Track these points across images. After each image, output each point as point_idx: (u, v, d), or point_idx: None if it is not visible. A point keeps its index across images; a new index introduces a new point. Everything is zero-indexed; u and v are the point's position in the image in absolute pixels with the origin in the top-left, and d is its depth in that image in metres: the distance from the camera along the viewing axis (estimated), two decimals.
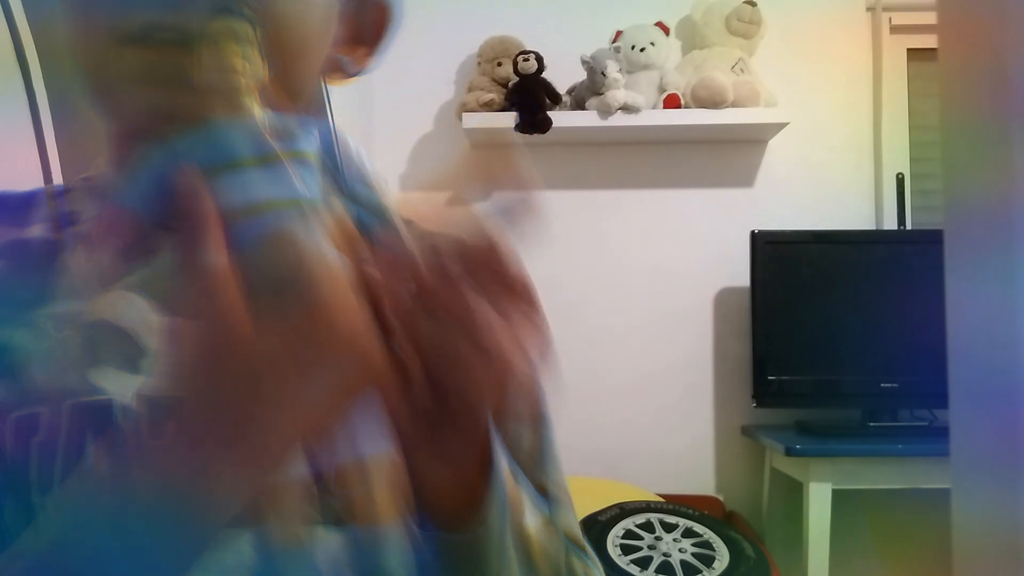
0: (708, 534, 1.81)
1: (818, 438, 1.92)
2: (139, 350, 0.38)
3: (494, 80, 2.15)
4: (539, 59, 2.08)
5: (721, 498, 2.19)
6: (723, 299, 2.24)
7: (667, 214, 2.26)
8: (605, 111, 2.06)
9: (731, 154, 2.26)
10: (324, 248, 0.37)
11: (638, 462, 2.17)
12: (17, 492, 0.36)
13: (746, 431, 2.18)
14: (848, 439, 1.92)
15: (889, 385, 1.99)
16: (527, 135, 2.08)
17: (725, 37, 2.15)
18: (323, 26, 0.44)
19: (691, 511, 1.88)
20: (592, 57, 2.06)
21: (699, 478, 2.22)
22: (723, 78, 2.05)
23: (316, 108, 0.44)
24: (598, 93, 2.06)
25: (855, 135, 2.26)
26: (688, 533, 1.81)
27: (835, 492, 1.84)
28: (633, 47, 2.12)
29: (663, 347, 2.23)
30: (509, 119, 2.08)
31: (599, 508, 1.86)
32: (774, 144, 2.25)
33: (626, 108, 2.06)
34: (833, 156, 2.25)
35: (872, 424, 2.00)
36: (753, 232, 2.06)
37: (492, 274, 0.37)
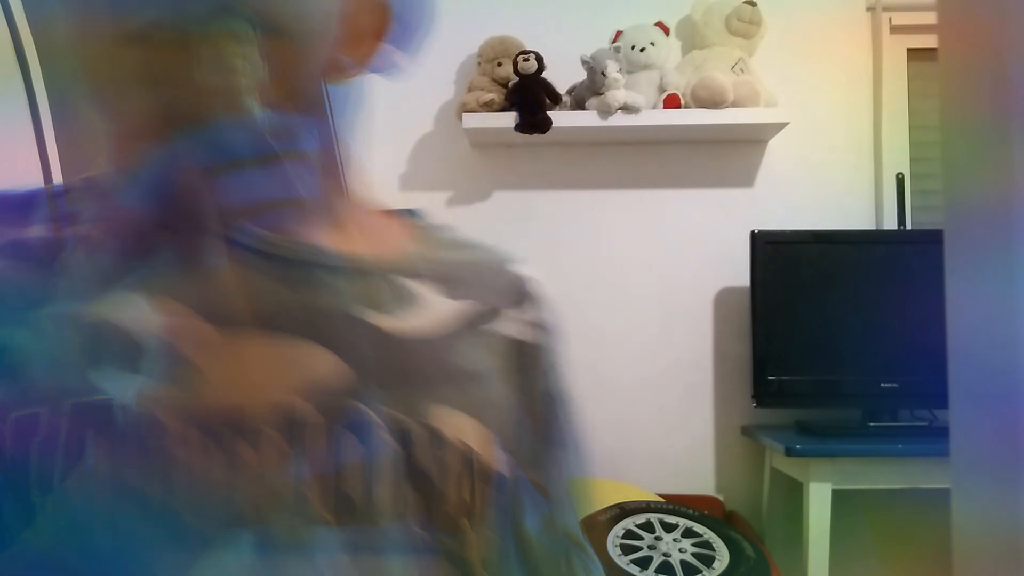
0: (708, 534, 1.81)
1: (818, 438, 1.92)
2: (139, 350, 0.38)
3: (494, 80, 2.15)
4: (539, 59, 2.08)
5: (721, 498, 2.19)
6: (723, 299, 2.24)
7: (667, 214, 2.26)
8: (605, 111, 2.06)
9: (731, 154, 2.26)
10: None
11: (638, 462, 2.17)
12: (17, 492, 0.36)
13: (746, 431, 2.18)
14: (848, 439, 1.92)
15: (889, 385, 1.99)
16: (527, 135, 2.08)
17: (725, 37, 2.15)
18: (323, 26, 0.44)
19: (691, 511, 1.88)
20: (592, 57, 2.06)
21: (699, 478, 2.21)
22: (723, 78, 2.05)
23: (316, 108, 0.44)
24: (598, 93, 2.06)
25: (855, 135, 2.26)
26: (688, 533, 1.81)
27: (835, 492, 1.84)
28: (633, 47, 2.12)
29: (663, 347, 2.23)
30: (509, 119, 2.08)
31: (599, 508, 1.86)
32: (774, 144, 2.25)
33: (626, 108, 2.06)
34: (833, 156, 2.25)
35: (872, 424, 2.00)
36: (753, 232, 2.06)
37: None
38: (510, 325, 0.50)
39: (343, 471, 0.39)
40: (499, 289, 0.52)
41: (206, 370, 0.37)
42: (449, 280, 0.49)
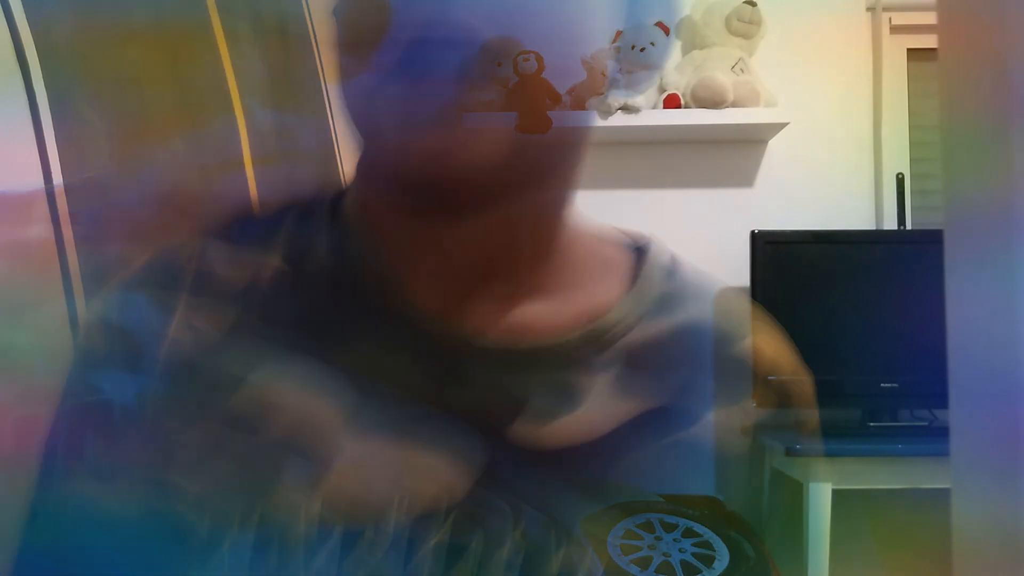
0: (708, 534, 1.81)
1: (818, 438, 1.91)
2: (139, 350, 0.38)
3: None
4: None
5: (721, 498, 2.19)
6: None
7: (667, 214, 2.26)
8: (605, 111, 2.06)
9: (731, 154, 2.26)
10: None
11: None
12: (17, 492, 0.36)
13: (746, 431, 2.18)
14: (848, 439, 1.92)
15: (889, 385, 1.99)
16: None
17: (725, 37, 2.15)
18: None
19: (691, 511, 1.88)
20: (592, 57, 2.06)
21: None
22: (723, 78, 2.05)
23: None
24: (598, 93, 2.06)
25: (855, 135, 2.26)
26: (688, 533, 1.81)
27: (835, 492, 1.84)
28: (633, 47, 2.12)
29: None
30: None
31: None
32: (774, 144, 2.25)
33: (626, 108, 2.06)
34: (833, 156, 2.25)
35: (872, 424, 2.00)
36: (753, 232, 2.06)
37: None
38: (709, 434, 0.44)
39: (342, 469, 0.39)
40: (705, 385, 0.45)
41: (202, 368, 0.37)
42: (636, 365, 0.42)
